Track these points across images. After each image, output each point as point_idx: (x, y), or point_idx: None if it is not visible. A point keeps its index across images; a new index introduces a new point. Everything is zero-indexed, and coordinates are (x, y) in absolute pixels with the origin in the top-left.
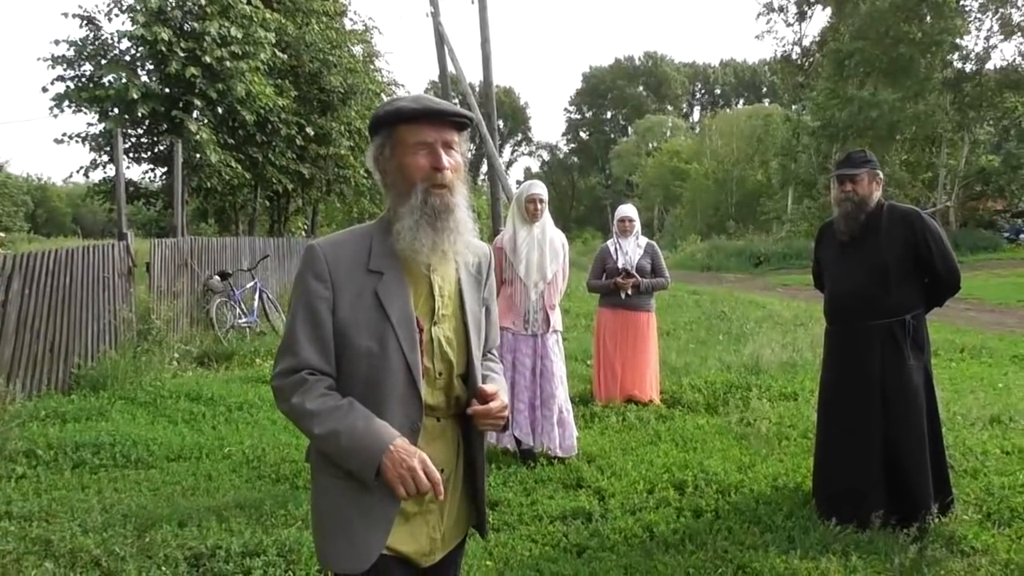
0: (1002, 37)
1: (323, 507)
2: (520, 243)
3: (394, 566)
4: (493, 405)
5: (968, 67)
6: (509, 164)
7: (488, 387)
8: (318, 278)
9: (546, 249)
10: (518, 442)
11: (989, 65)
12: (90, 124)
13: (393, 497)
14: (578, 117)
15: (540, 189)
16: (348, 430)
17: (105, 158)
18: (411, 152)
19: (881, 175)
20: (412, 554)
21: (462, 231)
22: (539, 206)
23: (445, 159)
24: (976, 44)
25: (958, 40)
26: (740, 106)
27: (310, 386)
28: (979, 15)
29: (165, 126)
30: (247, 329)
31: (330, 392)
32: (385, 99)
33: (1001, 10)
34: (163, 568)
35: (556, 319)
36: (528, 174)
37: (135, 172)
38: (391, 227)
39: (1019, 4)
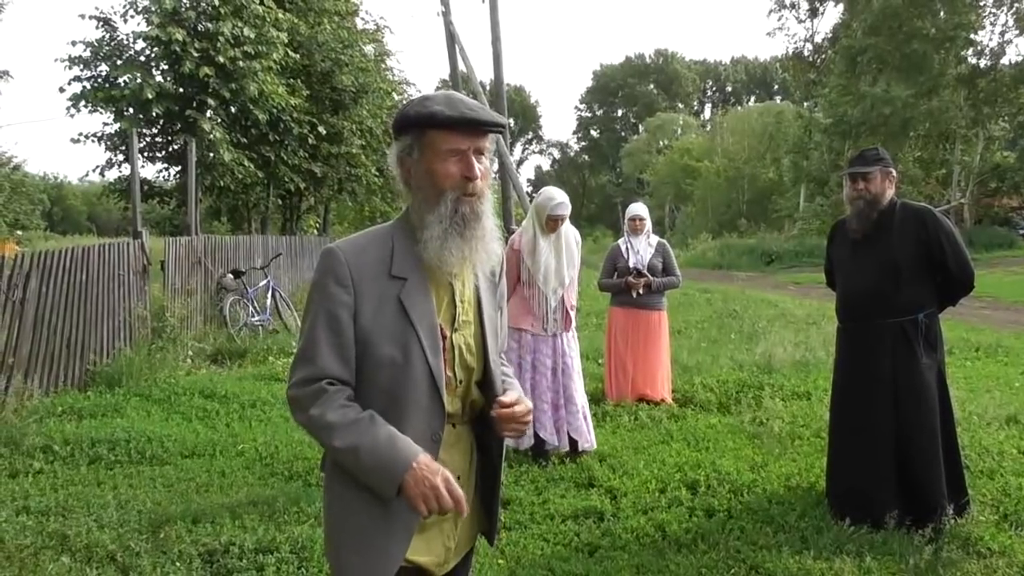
0: (1017, 32)
1: (339, 518)
2: (539, 250)
3: (409, 574)
4: (518, 409)
5: (983, 62)
6: (520, 162)
7: (509, 396)
8: (340, 283)
9: (563, 255)
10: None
11: (1004, 60)
12: (106, 124)
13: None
14: (589, 115)
15: (565, 210)
16: (369, 446)
17: (120, 157)
18: (442, 158)
19: (894, 172)
20: (428, 564)
21: (488, 239)
22: (559, 223)
23: (477, 168)
24: (991, 39)
25: (972, 35)
26: (751, 103)
27: (329, 396)
28: (994, 10)
29: (179, 125)
30: (260, 327)
31: (350, 404)
32: (397, 98)
33: (1016, 4)
34: (177, 564)
35: (574, 318)
36: (539, 172)
37: (150, 171)
38: (415, 232)
39: None
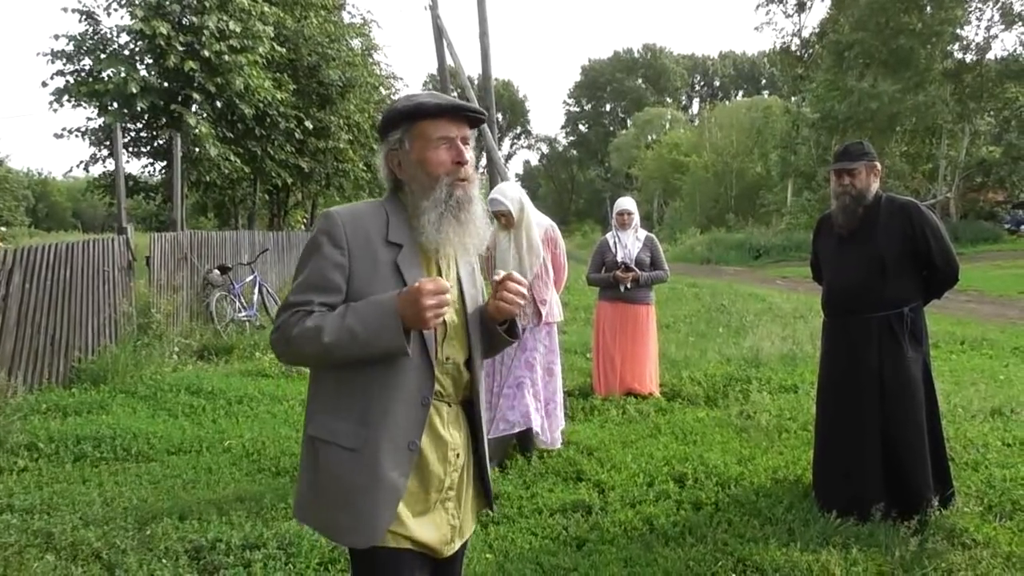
0: (1003, 27)
1: (328, 477)
2: (499, 248)
3: (415, 560)
4: (512, 283)
5: (968, 57)
6: (508, 157)
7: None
8: (335, 244)
9: (523, 251)
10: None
11: (990, 55)
12: (89, 119)
13: (403, 474)
14: (577, 110)
15: (500, 206)
16: (357, 321)
17: (105, 152)
18: (433, 147)
19: (879, 166)
20: (435, 543)
21: (479, 224)
22: (503, 219)
23: (466, 154)
24: (976, 34)
25: (958, 30)
26: (739, 98)
27: (305, 314)
28: (980, 5)
29: (164, 120)
30: (247, 323)
31: (322, 309)
32: (384, 92)
33: None
34: (164, 561)
35: (550, 311)
36: (528, 167)
37: (135, 166)
38: (411, 219)
39: None
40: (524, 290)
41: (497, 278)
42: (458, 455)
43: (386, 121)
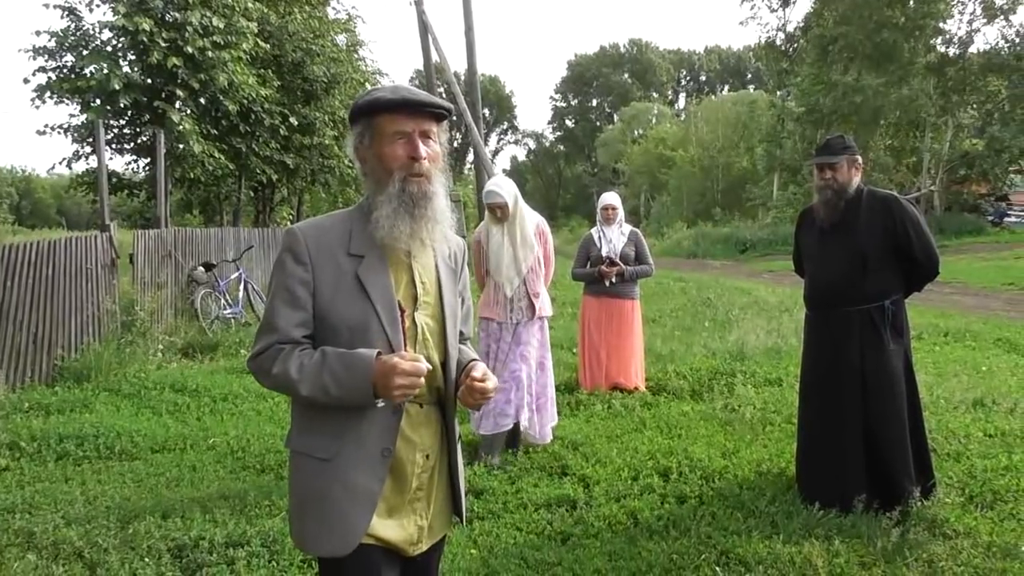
0: (985, 20)
1: (302, 489)
2: (492, 242)
3: (380, 557)
4: (486, 385)
5: (951, 51)
6: (495, 153)
7: (478, 370)
8: (298, 261)
9: (517, 245)
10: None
11: (972, 49)
12: (72, 115)
13: (377, 479)
14: (564, 105)
15: (498, 198)
16: (333, 380)
17: (88, 149)
18: (389, 141)
19: (860, 160)
20: (400, 542)
21: (440, 219)
22: (499, 212)
23: (422, 148)
24: (959, 28)
25: (941, 24)
26: (725, 92)
27: (286, 353)
28: None
29: (147, 116)
30: (232, 320)
31: (304, 352)
32: (369, 88)
33: None
34: (146, 559)
35: (542, 305)
36: (515, 163)
37: (118, 163)
38: (370, 214)
39: None
40: (492, 393)
41: (475, 375)
42: (427, 456)
43: (351, 115)
